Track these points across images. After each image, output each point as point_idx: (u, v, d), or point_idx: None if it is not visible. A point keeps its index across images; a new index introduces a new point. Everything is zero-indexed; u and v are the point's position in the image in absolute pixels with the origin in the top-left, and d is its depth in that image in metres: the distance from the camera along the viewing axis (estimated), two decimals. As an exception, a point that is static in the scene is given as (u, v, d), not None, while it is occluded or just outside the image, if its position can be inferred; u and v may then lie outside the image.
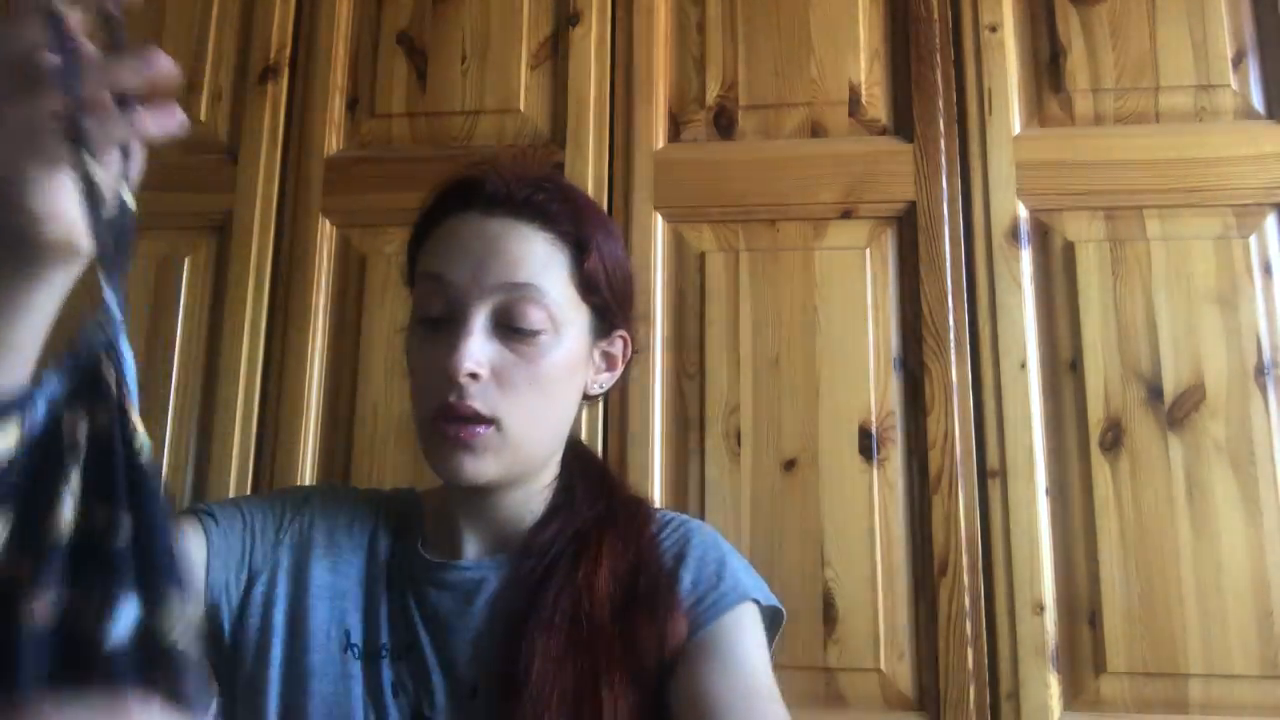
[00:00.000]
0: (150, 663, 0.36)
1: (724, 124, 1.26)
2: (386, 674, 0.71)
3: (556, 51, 1.30)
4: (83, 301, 0.44)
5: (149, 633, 0.37)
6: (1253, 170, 1.15)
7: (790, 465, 1.14)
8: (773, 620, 0.77)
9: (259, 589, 0.74)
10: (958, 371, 1.14)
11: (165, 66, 0.41)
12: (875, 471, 1.13)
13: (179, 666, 0.37)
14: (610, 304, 0.76)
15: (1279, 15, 1.20)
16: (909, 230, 1.19)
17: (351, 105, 1.33)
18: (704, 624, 0.70)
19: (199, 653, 0.38)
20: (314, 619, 0.73)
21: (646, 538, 0.75)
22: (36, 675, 0.35)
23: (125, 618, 0.36)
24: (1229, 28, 1.20)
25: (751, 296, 1.20)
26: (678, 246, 1.23)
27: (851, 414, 1.15)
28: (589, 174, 1.24)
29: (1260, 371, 1.11)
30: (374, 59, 1.34)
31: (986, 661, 1.07)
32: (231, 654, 0.73)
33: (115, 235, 0.41)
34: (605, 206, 1.23)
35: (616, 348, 0.79)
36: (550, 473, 0.78)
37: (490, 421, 0.69)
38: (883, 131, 1.23)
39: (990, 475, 1.11)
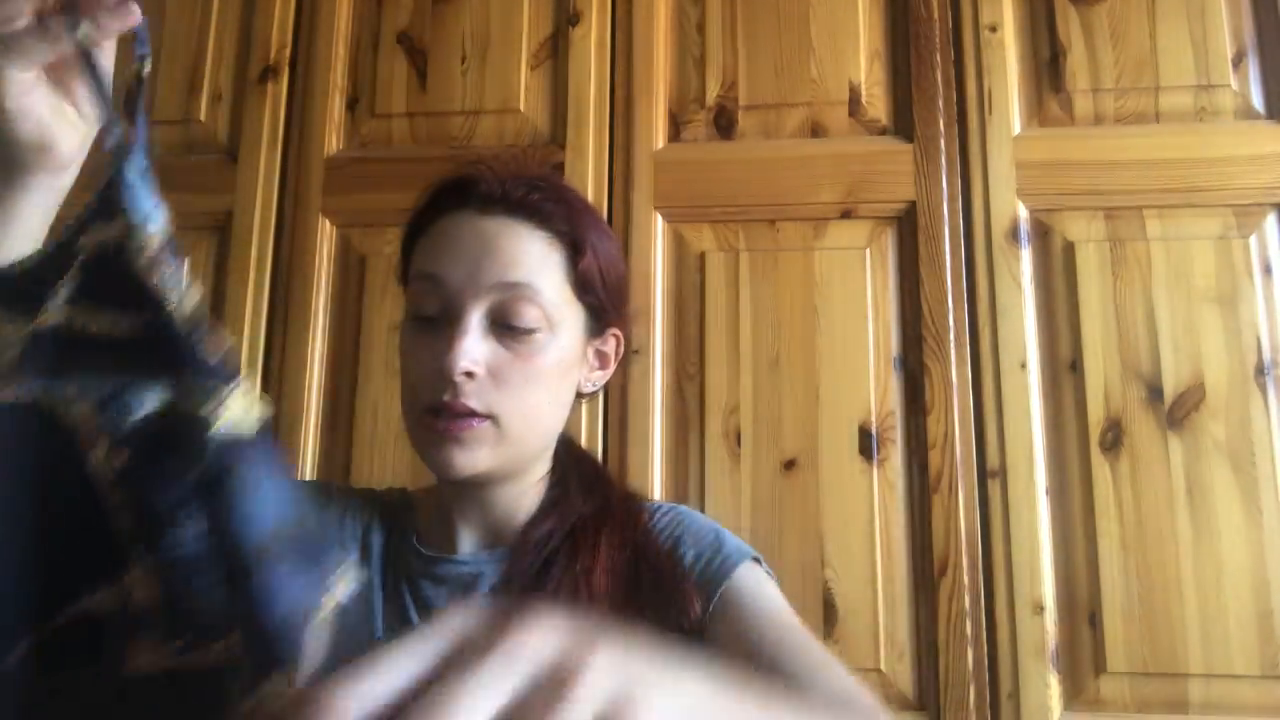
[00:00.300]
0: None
1: (724, 124, 1.26)
2: None
3: (556, 51, 1.30)
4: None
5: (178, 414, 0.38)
6: (1253, 170, 1.15)
7: (790, 465, 1.14)
8: None
9: None
10: (958, 371, 1.14)
11: None
12: (875, 471, 1.13)
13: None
14: (604, 303, 0.76)
15: (1279, 15, 1.20)
16: (909, 230, 1.19)
17: (351, 105, 1.33)
18: (717, 587, 0.70)
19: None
20: None
21: (642, 528, 0.75)
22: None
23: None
24: (1229, 28, 1.20)
25: (751, 297, 1.20)
26: (678, 246, 1.23)
27: (851, 414, 1.15)
28: (589, 174, 1.24)
29: (1260, 371, 1.10)
30: (374, 59, 1.34)
31: (986, 661, 1.07)
32: None
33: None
34: (605, 206, 1.23)
35: (610, 346, 0.79)
36: (543, 467, 0.78)
37: (486, 418, 0.69)
38: (883, 131, 1.23)
39: (990, 475, 1.11)
